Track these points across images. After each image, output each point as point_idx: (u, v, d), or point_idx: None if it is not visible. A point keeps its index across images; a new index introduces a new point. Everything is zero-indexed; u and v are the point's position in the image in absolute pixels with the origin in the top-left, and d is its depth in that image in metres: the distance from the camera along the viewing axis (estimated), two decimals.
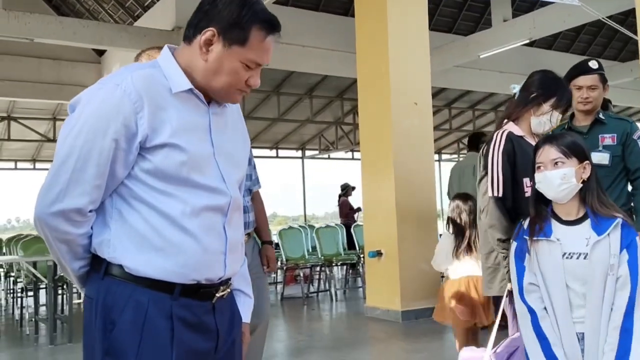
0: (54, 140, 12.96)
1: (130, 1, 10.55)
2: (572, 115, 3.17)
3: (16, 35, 8.15)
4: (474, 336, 3.46)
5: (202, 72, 1.41)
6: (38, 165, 14.69)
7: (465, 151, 17.92)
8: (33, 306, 6.33)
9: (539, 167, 2.24)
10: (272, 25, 1.43)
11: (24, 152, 14.25)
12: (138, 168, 1.37)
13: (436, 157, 16.84)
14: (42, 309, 6.67)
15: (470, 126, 16.34)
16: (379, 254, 6.29)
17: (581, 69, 3.08)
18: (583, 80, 3.04)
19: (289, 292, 8.23)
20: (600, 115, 3.10)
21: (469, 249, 3.54)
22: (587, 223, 2.18)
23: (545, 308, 2.17)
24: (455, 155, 18.72)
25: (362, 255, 8.14)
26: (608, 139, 3.00)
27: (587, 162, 2.22)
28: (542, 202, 2.26)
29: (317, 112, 13.90)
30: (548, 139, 2.29)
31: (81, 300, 7.41)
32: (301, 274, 8.47)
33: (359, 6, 6.71)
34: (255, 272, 2.77)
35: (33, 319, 6.28)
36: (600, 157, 2.95)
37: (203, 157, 1.42)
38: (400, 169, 6.14)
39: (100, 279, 1.39)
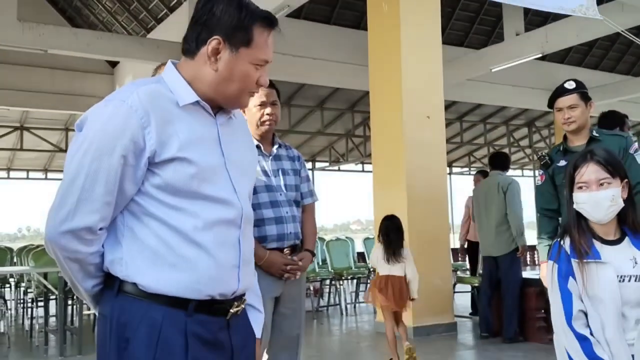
0: (66, 151, 13.02)
1: (143, 13, 10.63)
2: (565, 137, 3.24)
3: (30, 46, 8.23)
4: (394, 315, 4.79)
5: (213, 82, 1.42)
6: (50, 175, 14.79)
7: (476, 164, 17.94)
8: (43, 317, 6.32)
9: (580, 187, 2.11)
10: (271, 21, 1.46)
11: (36, 162, 14.35)
12: (148, 184, 1.36)
13: (447, 170, 16.76)
14: (52, 320, 6.66)
15: (481, 139, 16.28)
16: None
17: (558, 91, 3.17)
18: (562, 101, 3.14)
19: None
20: (594, 133, 3.15)
21: (395, 256, 4.66)
22: (627, 242, 2.09)
23: (591, 333, 2.05)
24: (467, 169, 18.64)
25: (372, 270, 8.08)
26: None
27: (627, 180, 2.12)
28: (581, 222, 2.13)
29: (327, 124, 13.91)
30: (588, 156, 2.13)
31: (90, 312, 7.41)
32: (311, 288, 8.42)
33: (372, 19, 6.72)
34: (297, 301, 2.66)
35: (43, 330, 6.26)
36: None
37: (213, 168, 1.41)
38: (412, 182, 6.11)
39: (114, 297, 1.38)
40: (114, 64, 11.66)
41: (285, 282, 2.58)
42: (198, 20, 1.43)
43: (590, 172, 2.08)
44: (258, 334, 1.60)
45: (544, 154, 3.32)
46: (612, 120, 4.39)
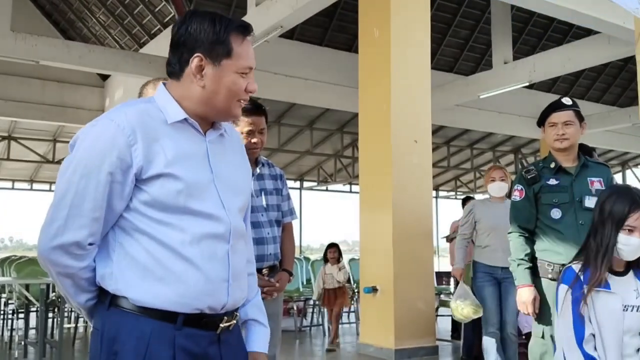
0: (53, 162, 12.98)
1: (137, 28, 10.69)
2: (549, 157, 3.08)
3: (22, 57, 8.24)
4: (333, 314, 6.88)
5: (203, 98, 1.46)
6: (36, 186, 14.69)
7: (462, 189, 18.06)
8: (23, 329, 6.25)
9: (631, 230, 2.21)
10: (245, 28, 1.50)
11: (22, 172, 14.25)
12: (136, 200, 1.39)
13: (433, 194, 16.86)
14: (32, 332, 6.58)
15: (468, 164, 16.44)
16: (374, 290, 6.25)
17: (554, 106, 3.03)
18: (557, 116, 2.99)
19: (282, 325, 8.11)
20: (586, 157, 3.08)
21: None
22: (631, 275, 2.25)
23: (598, 356, 2.19)
24: (453, 193, 18.77)
25: (357, 291, 8.08)
26: (597, 183, 2.95)
27: None
28: (605, 255, 2.24)
29: (317, 144, 13.98)
30: None
31: (71, 325, 7.33)
32: (294, 307, 8.39)
33: (363, 43, 6.81)
34: (274, 320, 2.70)
35: (22, 342, 6.19)
36: (595, 202, 2.92)
37: (201, 184, 1.44)
38: (398, 205, 6.15)
39: (105, 311, 1.41)
40: (105, 77, 11.68)
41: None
42: (177, 42, 1.47)
43: None
44: (264, 349, 1.62)
45: (531, 167, 3.09)
46: (586, 151, 4.33)
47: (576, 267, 2.29)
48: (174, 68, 1.48)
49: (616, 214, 2.25)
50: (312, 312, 8.61)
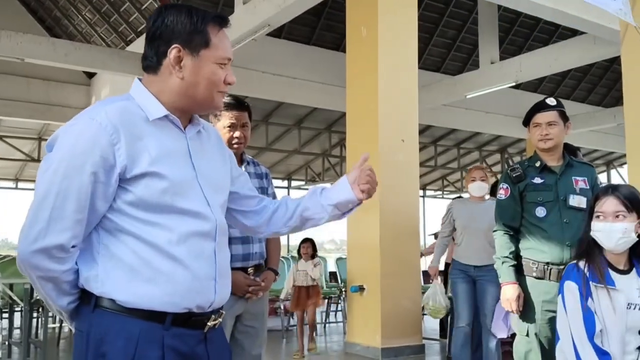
0: (38, 160, 12.86)
1: (123, 26, 10.62)
2: (534, 156, 3.10)
3: (8, 54, 8.15)
4: (308, 316, 6.31)
5: (182, 90, 1.44)
6: (20, 184, 14.55)
7: (449, 188, 18.14)
8: (7, 329, 6.19)
9: (598, 216, 2.31)
10: (222, 19, 1.49)
11: (6, 171, 14.10)
12: (120, 201, 1.37)
13: (421, 193, 16.91)
14: (16, 332, 6.52)
15: (455, 164, 16.50)
16: (361, 289, 6.26)
17: (539, 106, 3.05)
18: (541, 117, 3.01)
19: (268, 325, 8.08)
20: (571, 157, 3.11)
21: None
22: (634, 274, 2.29)
23: None
24: (440, 192, 18.84)
25: (344, 290, 8.09)
26: (581, 182, 2.98)
27: None
28: (597, 249, 2.33)
29: (304, 143, 13.97)
30: (610, 189, 2.36)
31: (56, 325, 7.27)
32: (282, 307, 8.37)
33: (351, 42, 6.81)
34: (259, 320, 2.68)
35: (6, 342, 6.13)
36: (579, 200, 2.92)
37: (185, 181, 1.43)
38: (385, 204, 6.16)
39: (90, 312, 1.38)
40: (91, 75, 11.59)
41: (247, 301, 2.60)
42: (153, 35, 1.46)
43: (609, 204, 2.30)
44: (347, 185, 1.66)
45: (516, 166, 3.10)
46: (570, 151, 4.35)
47: (581, 263, 2.35)
48: (151, 61, 1.46)
49: (590, 205, 2.40)
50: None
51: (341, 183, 1.64)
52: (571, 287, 2.33)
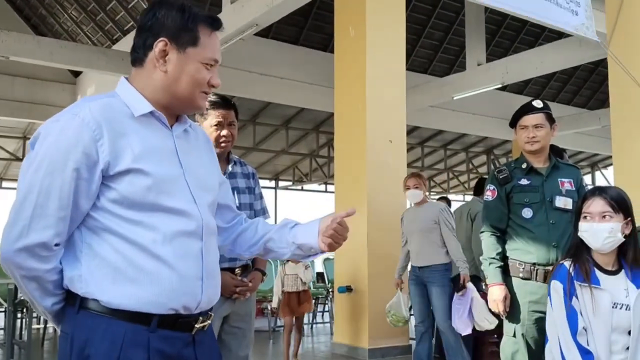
0: (22, 160, 12.71)
1: (109, 24, 10.54)
2: (520, 157, 3.12)
3: None
4: (296, 323, 5.82)
5: (165, 84, 1.43)
6: (5, 184, 14.36)
7: (436, 189, 18.21)
8: None
9: (585, 217, 2.36)
10: (214, 21, 1.48)
11: None
12: (104, 198, 1.35)
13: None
14: (0, 333, 6.45)
15: (441, 165, 16.57)
16: (348, 289, 6.27)
17: (525, 109, 3.06)
18: (528, 119, 3.02)
19: (255, 325, 8.07)
20: (557, 159, 3.13)
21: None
22: (622, 274, 2.32)
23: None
24: (427, 193, 18.87)
25: (331, 290, 8.09)
26: (567, 184, 3.01)
27: (630, 218, 2.35)
28: (584, 249, 2.38)
29: (292, 143, 13.95)
30: (597, 190, 2.41)
31: (40, 326, 7.19)
32: (269, 307, 8.35)
33: (339, 43, 6.82)
34: (246, 321, 2.66)
35: None
36: (565, 202, 2.95)
37: (171, 179, 1.41)
38: (373, 204, 6.17)
39: (75, 314, 1.36)
40: (76, 74, 11.49)
41: (235, 302, 2.58)
42: (143, 27, 1.45)
43: (595, 204, 2.34)
44: (315, 224, 1.61)
45: (503, 168, 3.11)
46: (556, 152, 4.37)
47: (567, 263, 2.40)
48: (138, 53, 1.45)
49: (578, 206, 2.45)
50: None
51: (312, 226, 1.59)
52: (557, 287, 2.38)
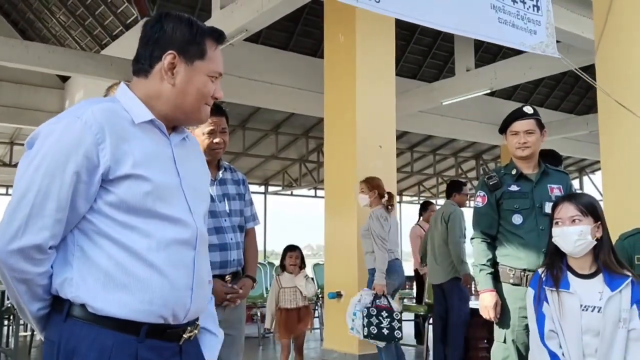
0: (10, 165, 12.62)
1: (98, 29, 10.49)
2: (510, 164, 3.13)
3: None
4: (296, 343, 5.13)
5: (172, 97, 1.43)
6: None
7: (425, 194, 18.26)
8: None
9: (557, 223, 2.44)
10: (220, 35, 1.51)
11: None
12: (101, 201, 1.34)
13: (397, 198, 17.00)
14: None
15: (431, 170, 16.63)
16: (338, 295, 6.26)
17: (516, 115, 3.09)
18: (519, 125, 3.05)
19: (245, 332, 8.03)
20: (546, 165, 3.15)
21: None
22: (600, 278, 2.36)
23: (563, 354, 2.35)
24: (416, 198, 18.95)
25: (321, 296, 8.07)
26: (556, 190, 3.03)
27: (600, 222, 2.41)
28: (558, 255, 2.45)
29: (282, 148, 13.94)
30: (567, 197, 2.52)
31: (27, 333, 7.12)
32: (258, 313, 8.32)
33: (328, 49, 6.83)
34: (236, 328, 2.65)
35: None
36: None
37: (169, 187, 1.41)
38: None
39: (62, 322, 1.34)
40: (65, 79, 11.43)
41: (225, 309, 2.57)
42: (149, 39, 1.45)
43: (565, 210, 2.43)
44: (213, 357, 1.59)
45: (493, 174, 3.14)
46: (557, 159, 4.37)
47: (541, 270, 2.49)
48: (143, 64, 1.45)
49: (552, 212, 2.54)
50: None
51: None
52: (529, 293, 2.49)
